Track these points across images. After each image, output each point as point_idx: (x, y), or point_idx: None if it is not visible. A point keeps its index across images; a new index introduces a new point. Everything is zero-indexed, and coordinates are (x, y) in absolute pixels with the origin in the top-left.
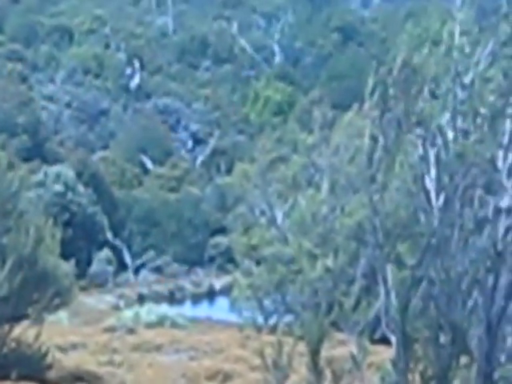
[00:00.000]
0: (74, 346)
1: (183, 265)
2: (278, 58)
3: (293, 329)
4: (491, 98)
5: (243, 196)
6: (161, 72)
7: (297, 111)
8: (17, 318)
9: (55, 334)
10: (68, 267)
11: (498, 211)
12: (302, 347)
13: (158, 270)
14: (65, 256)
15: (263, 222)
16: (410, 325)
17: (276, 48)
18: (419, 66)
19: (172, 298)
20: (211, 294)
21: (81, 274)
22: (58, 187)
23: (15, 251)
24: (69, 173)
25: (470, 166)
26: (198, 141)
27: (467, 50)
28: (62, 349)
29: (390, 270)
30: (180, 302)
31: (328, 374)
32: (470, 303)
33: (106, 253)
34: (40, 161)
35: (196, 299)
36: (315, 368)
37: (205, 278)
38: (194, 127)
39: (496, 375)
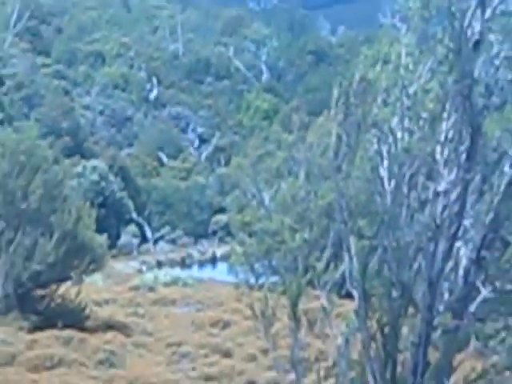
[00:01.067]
0: (107, 301)
1: (192, 237)
2: (265, 76)
3: (277, 287)
4: (431, 105)
5: (238, 183)
6: (173, 86)
7: (280, 117)
8: (62, 280)
9: (92, 291)
10: (101, 239)
11: (436, 194)
12: (284, 301)
13: (172, 241)
14: (99, 231)
15: (254, 203)
16: (368, 283)
17: (263, 67)
18: (373, 80)
19: (183, 264)
20: (213, 260)
21: (112, 245)
22: (94, 177)
23: (60, 227)
24: (102, 166)
25: (414, 159)
26: (202, 140)
27: (411, 67)
28: (97, 303)
29: (352, 240)
30: (189, 266)
31: (304, 321)
32: (415, 266)
33: (131, 228)
34: (79, 157)
35: (202, 264)
36: (294, 317)
37: (208, 248)
38: (199, 130)
39: (436, 322)
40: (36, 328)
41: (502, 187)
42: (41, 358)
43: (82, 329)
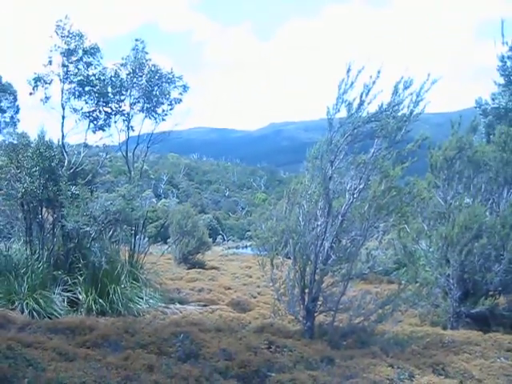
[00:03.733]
0: (212, 260)
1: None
2: None
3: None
4: (315, 196)
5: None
6: None
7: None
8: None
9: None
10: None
11: (317, 224)
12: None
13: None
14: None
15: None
16: (296, 254)
17: None
18: (300, 187)
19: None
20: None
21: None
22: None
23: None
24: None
25: (310, 214)
26: None
27: (307, 183)
28: (209, 260)
29: (292, 239)
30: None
31: (275, 267)
32: (312, 248)
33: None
34: None
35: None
36: (272, 264)
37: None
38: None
39: (318, 267)
40: (190, 268)
41: (340, 219)
42: (190, 278)
43: (204, 268)
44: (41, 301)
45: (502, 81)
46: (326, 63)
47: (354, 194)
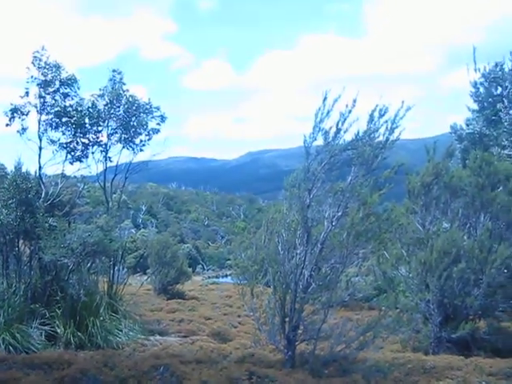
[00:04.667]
0: (192, 290)
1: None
2: None
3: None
4: (293, 225)
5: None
6: None
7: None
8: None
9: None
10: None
11: (296, 252)
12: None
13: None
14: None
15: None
16: (275, 283)
17: None
18: (277, 217)
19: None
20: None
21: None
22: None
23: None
24: None
25: (289, 243)
26: None
27: (286, 212)
28: (189, 290)
29: (272, 267)
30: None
31: (255, 296)
32: (292, 277)
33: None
34: None
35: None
36: (251, 294)
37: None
38: None
39: (298, 295)
40: (170, 299)
41: (319, 247)
42: (170, 308)
43: (184, 299)
44: (17, 335)
45: (475, 106)
46: (304, 91)
47: (332, 222)
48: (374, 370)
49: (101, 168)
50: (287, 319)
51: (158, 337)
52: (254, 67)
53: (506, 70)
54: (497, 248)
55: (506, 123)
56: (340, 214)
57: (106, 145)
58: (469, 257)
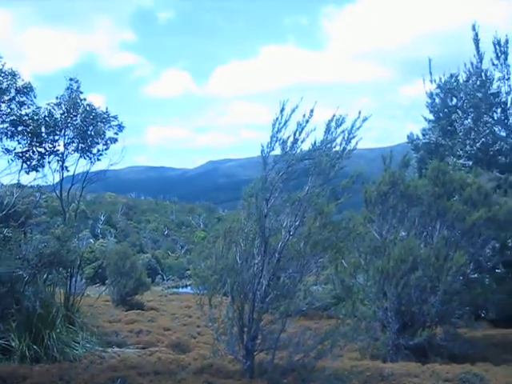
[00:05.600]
0: (151, 300)
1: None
2: None
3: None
4: (251, 235)
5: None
6: None
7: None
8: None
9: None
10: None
11: (255, 262)
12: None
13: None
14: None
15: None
16: (233, 293)
17: None
18: (237, 227)
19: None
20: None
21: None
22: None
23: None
24: None
25: (247, 252)
26: None
27: (244, 222)
28: (148, 301)
29: (229, 276)
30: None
31: (213, 306)
32: (249, 286)
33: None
34: None
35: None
36: (210, 303)
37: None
38: None
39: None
40: (128, 310)
41: (277, 256)
42: (128, 320)
43: (143, 309)
44: None
45: (431, 117)
46: (264, 100)
47: (290, 232)
48: (332, 379)
49: (57, 178)
50: (245, 329)
51: (115, 348)
52: (215, 76)
53: (461, 81)
54: (452, 256)
55: (460, 133)
56: (297, 223)
57: (62, 154)
58: (425, 265)
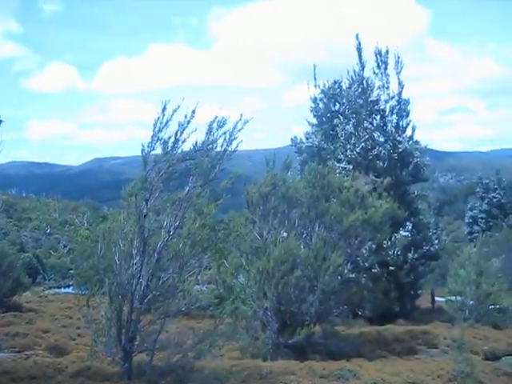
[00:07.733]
0: (30, 302)
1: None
2: None
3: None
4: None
5: None
6: None
7: None
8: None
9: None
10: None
11: (142, 263)
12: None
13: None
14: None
15: None
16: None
17: None
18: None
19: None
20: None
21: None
22: None
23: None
24: None
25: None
26: None
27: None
28: (27, 302)
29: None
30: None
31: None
32: (136, 287)
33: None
34: None
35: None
36: (87, 305)
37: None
38: None
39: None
40: (5, 312)
41: (156, 256)
42: (4, 322)
43: (21, 311)
44: None
45: (315, 121)
46: (151, 98)
47: (169, 232)
48: (211, 379)
49: None
50: (124, 330)
51: None
52: (101, 72)
53: (344, 87)
54: (330, 256)
55: (342, 138)
56: (177, 223)
57: None
58: (304, 265)
